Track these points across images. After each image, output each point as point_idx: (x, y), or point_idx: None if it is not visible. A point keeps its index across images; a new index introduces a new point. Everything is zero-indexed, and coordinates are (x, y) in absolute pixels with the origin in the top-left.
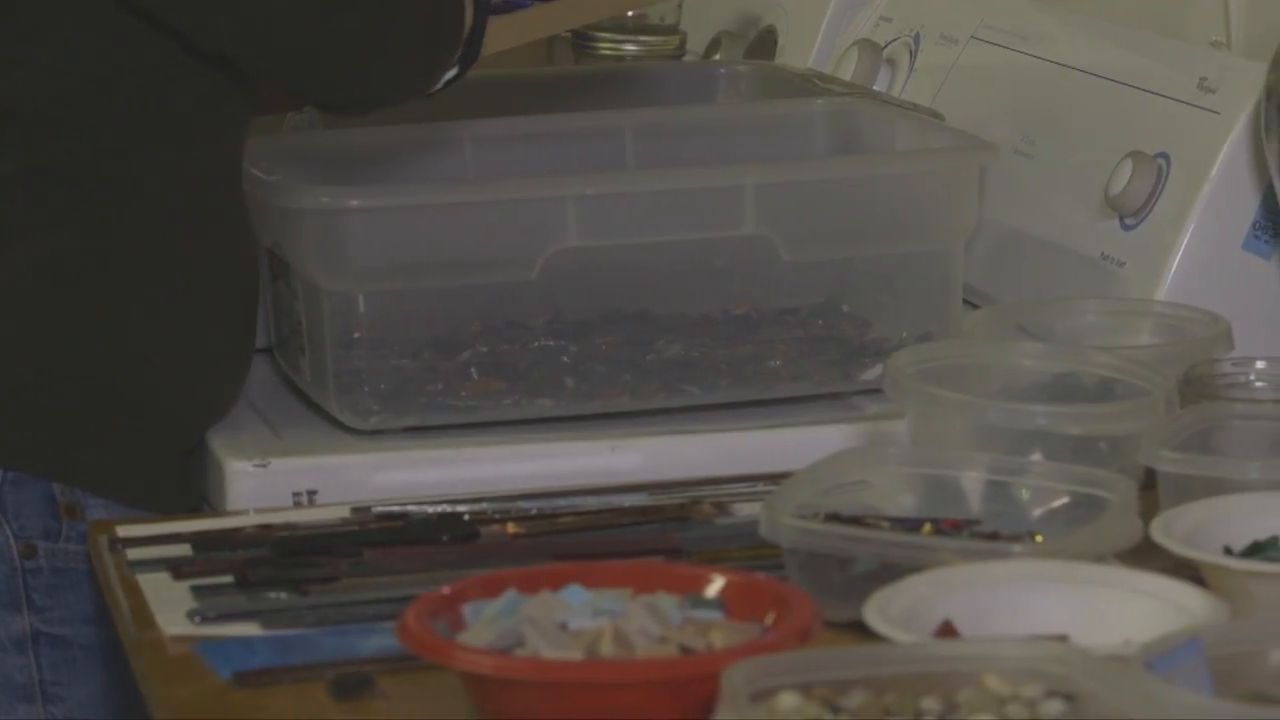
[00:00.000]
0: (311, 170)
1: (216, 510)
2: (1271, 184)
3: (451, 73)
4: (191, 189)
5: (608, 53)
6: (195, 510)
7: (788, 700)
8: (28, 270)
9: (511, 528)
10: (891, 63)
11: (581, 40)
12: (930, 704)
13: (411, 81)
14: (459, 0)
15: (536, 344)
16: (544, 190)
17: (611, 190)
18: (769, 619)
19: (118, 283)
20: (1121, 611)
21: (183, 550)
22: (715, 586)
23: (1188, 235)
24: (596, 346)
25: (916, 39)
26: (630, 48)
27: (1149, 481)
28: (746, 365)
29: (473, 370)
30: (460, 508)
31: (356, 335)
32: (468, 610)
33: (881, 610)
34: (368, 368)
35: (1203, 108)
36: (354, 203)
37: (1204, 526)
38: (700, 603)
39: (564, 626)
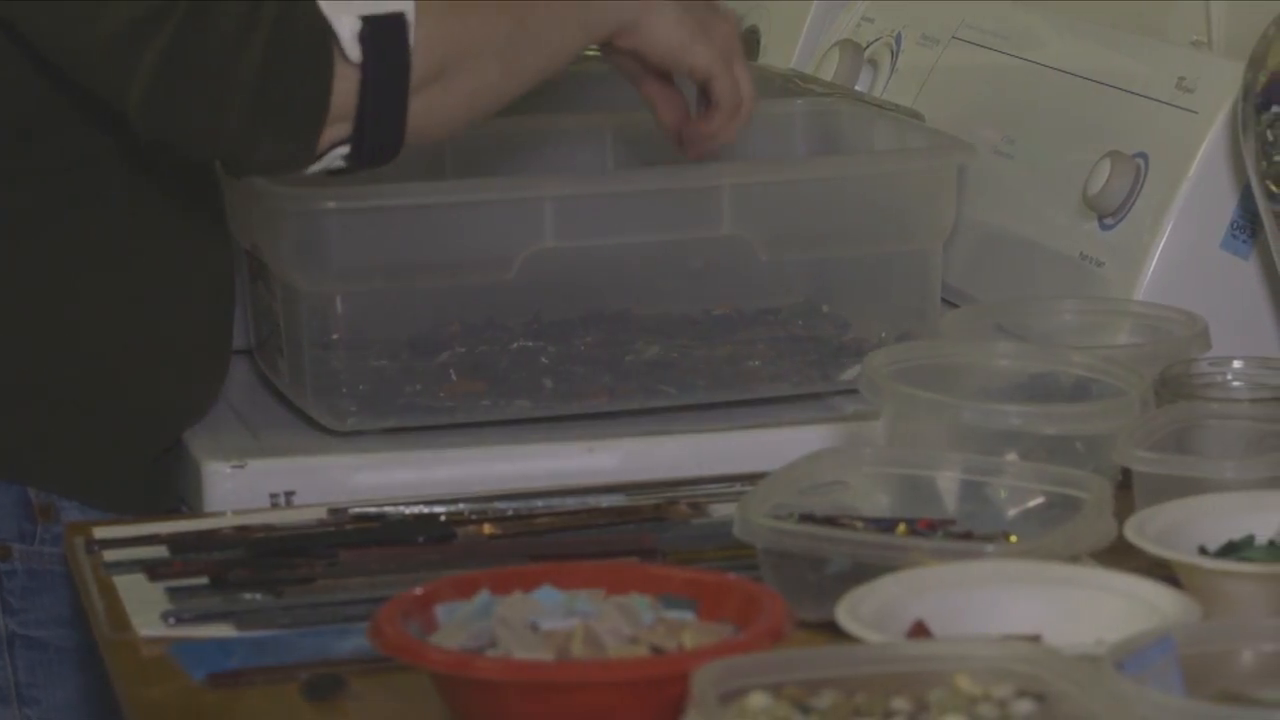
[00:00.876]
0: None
1: (194, 511)
2: (1249, 183)
3: (343, 150)
4: (160, 190)
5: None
6: (173, 511)
7: (757, 700)
8: None
9: (488, 528)
10: (873, 63)
11: None
12: (901, 704)
13: (242, 134)
14: (314, 64)
15: (515, 345)
16: (521, 191)
17: (589, 191)
18: (741, 618)
19: (88, 284)
20: (1095, 611)
21: (159, 552)
22: (688, 587)
23: (1166, 235)
24: (575, 347)
25: (898, 39)
26: None
27: (1127, 482)
28: (725, 366)
29: (451, 371)
30: (437, 509)
31: (334, 336)
32: (441, 611)
33: (853, 610)
34: (345, 369)
35: (1181, 107)
36: (331, 204)
37: (1179, 526)
38: (673, 603)
39: (535, 627)
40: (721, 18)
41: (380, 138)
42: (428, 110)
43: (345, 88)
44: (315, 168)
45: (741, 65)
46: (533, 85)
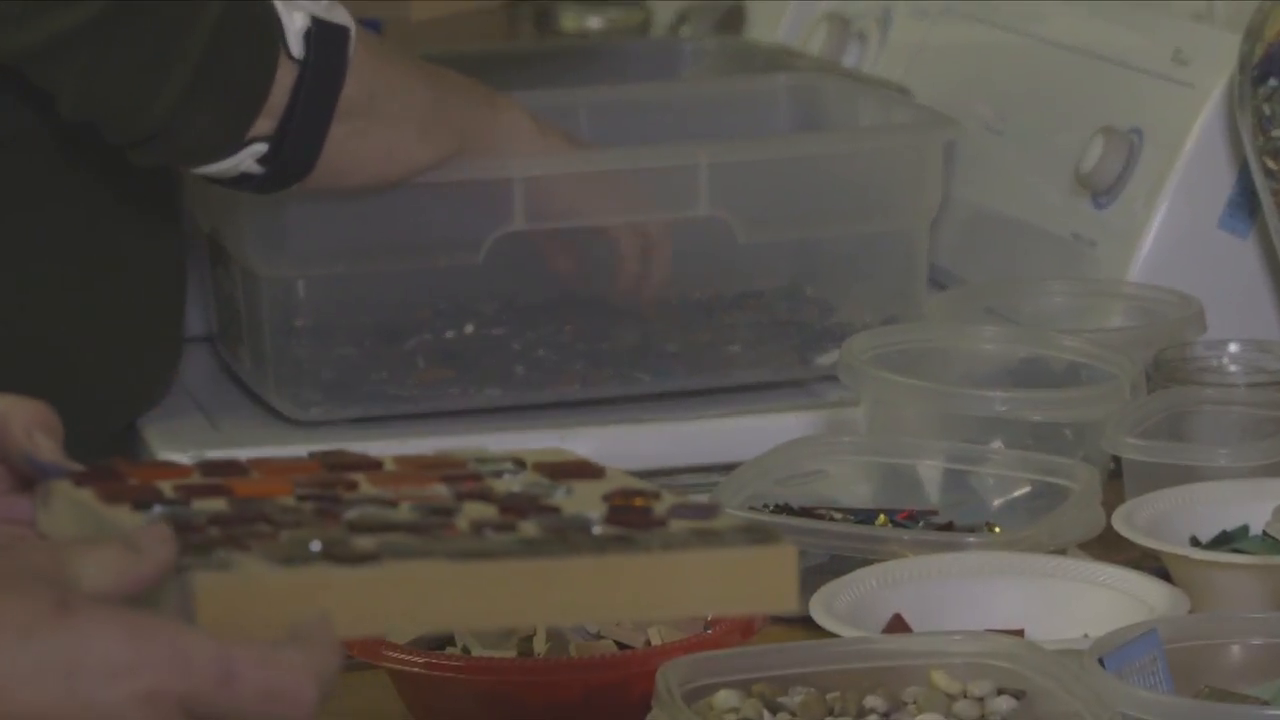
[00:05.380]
0: None
1: None
2: (1247, 160)
3: (259, 150)
4: (103, 170)
5: (570, 27)
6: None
7: (725, 698)
8: None
9: None
10: (862, 37)
11: (544, 15)
12: (875, 702)
13: (177, 109)
14: (261, 49)
15: (485, 331)
16: (488, 171)
17: (558, 171)
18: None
19: (29, 265)
20: (1080, 604)
21: None
22: None
23: (1161, 213)
24: (547, 333)
25: (887, 13)
26: (594, 22)
27: (1119, 470)
28: (704, 351)
29: (418, 358)
30: None
31: (297, 323)
32: None
33: (827, 604)
34: (309, 356)
35: (1177, 80)
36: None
37: (1169, 516)
38: None
39: None
40: None
41: (300, 143)
42: (346, 141)
43: (282, 82)
44: (228, 162)
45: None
46: (438, 165)
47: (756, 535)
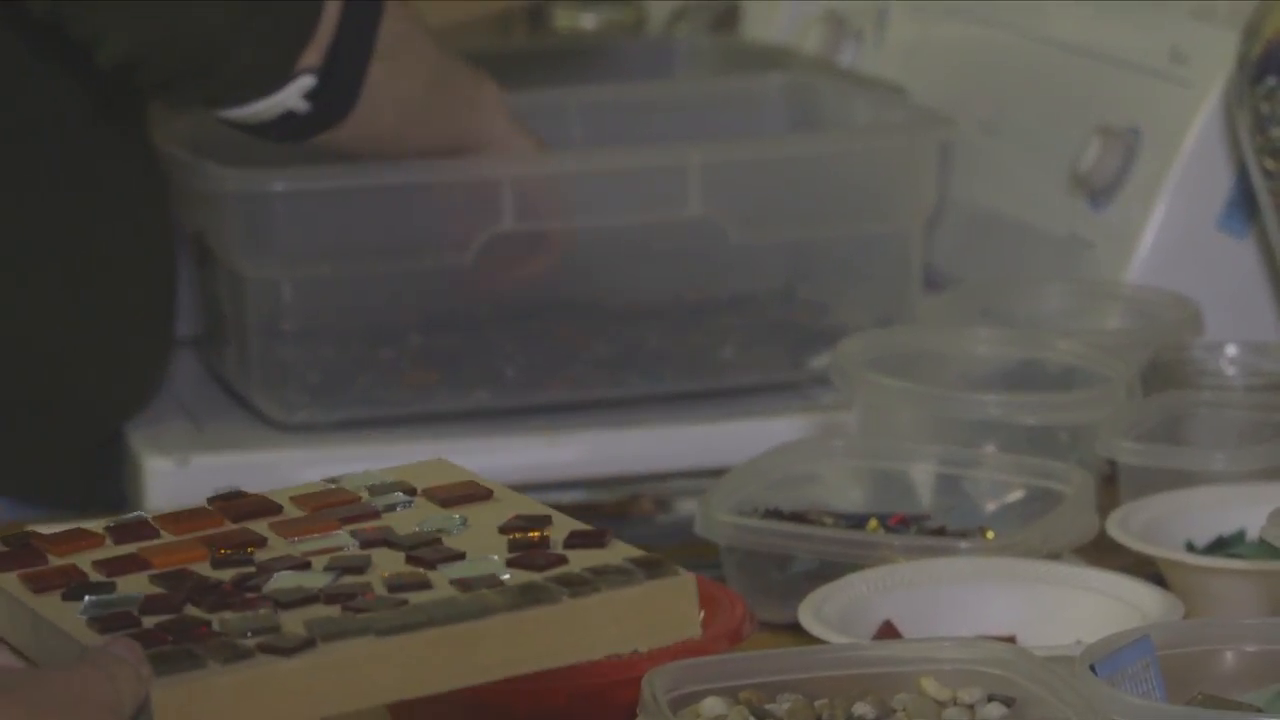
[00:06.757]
0: (247, 152)
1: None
2: (1246, 160)
3: (308, 83)
4: (95, 170)
5: (564, 25)
6: (115, 508)
7: (712, 705)
8: None
9: None
10: (858, 36)
11: (537, 14)
12: (864, 709)
13: (224, 32)
14: None
15: (473, 333)
16: (478, 171)
17: (548, 171)
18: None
19: (16, 270)
20: (1073, 610)
21: None
22: None
23: (1158, 214)
24: (536, 335)
25: (884, 11)
26: (588, 20)
27: (1115, 474)
28: (696, 354)
29: (406, 361)
30: None
31: (283, 325)
32: None
33: (816, 610)
34: (295, 359)
35: (1174, 80)
36: (278, 185)
37: (1165, 521)
38: None
39: None
40: None
41: (345, 76)
42: (380, 84)
43: (330, 12)
44: (275, 98)
45: None
46: (433, 147)
47: (653, 569)
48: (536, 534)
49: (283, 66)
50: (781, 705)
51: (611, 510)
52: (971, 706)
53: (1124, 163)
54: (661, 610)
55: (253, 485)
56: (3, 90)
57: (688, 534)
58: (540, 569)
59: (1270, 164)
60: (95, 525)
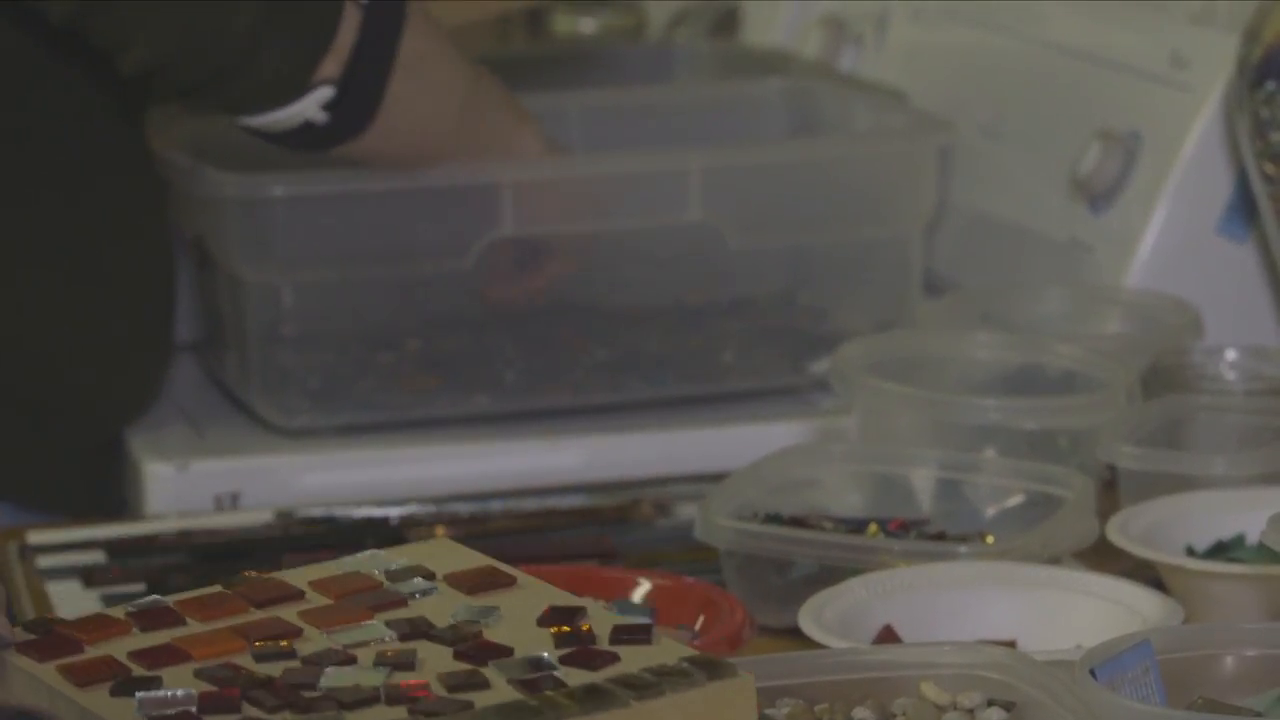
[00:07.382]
0: (247, 156)
1: (134, 514)
2: (1246, 165)
3: (327, 93)
4: (94, 176)
5: (563, 30)
6: (115, 513)
7: None
8: None
9: (441, 531)
10: (858, 41)
11: (536, 18)
12: (863, 713)
13: (247, 39)
14: None
15: (473, 338)
16: (477, 176)
17: (548, 176)
18: (699, 624)
19: (16, 274)
20: (1073, 615)
21: (96, 557)
22: (643, 591)
23: (1158, 218)
24: (536, 340)
25: (884, 15)
26: (587, 25)
27: (1115, 479)
28: (696, 359)
29: (406, 366)
30: (389, 511)
31: (283, 330)
32: None
33: (816, 615)
34: (295, 364)
35: (1175, 84)
36: (278, 190)
37: (1164, 525)
38: (629, 608)
39: None
40: None
41: (364, 88)
42: (401, 96)
43: (349, 23)
44: (293, 108)
45: None
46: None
47: (713, 670)
48: (586, 627)
49: (300, 77)
50: (781, 710)
51: (611, 514)
52: (971, 711)
53: (1124, 167)
54: (724, 711)
55: (253, 490)
56: (2, 94)
57: (687, 538)
58: (596, 668)
59: (1270, 168)
60: (115, 611)
